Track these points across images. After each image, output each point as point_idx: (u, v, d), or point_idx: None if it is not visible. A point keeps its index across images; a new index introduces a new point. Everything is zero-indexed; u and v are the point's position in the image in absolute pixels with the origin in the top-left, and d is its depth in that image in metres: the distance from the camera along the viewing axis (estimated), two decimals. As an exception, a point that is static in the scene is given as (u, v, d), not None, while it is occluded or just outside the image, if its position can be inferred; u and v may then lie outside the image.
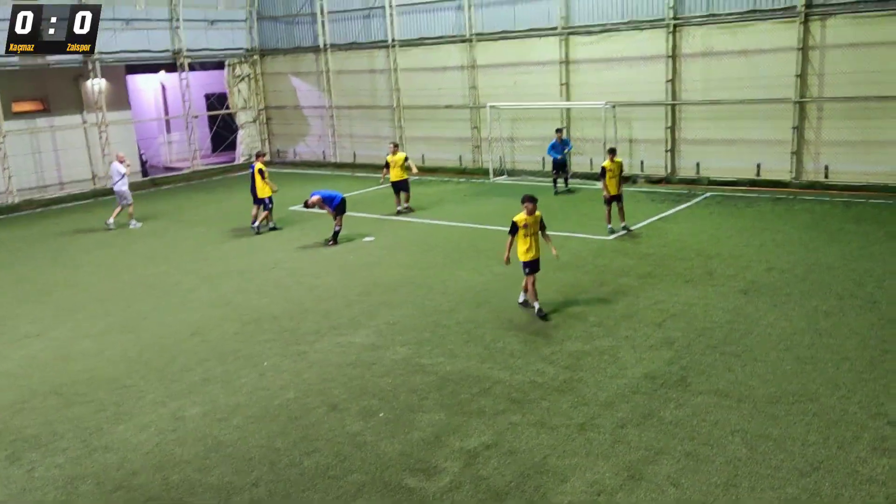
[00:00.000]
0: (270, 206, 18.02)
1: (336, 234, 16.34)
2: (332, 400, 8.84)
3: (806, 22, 18.22)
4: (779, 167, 19.35)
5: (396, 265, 14.51)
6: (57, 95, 24.94)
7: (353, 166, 27.67)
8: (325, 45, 27.72)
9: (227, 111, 30.20)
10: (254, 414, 8.62)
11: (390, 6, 25.55)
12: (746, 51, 19.19)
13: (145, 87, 30.86)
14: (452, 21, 24.29)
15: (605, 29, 21.31)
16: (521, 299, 11.64)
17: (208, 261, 15.78)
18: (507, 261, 11.31)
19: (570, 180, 21.00)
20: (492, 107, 23.10)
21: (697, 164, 20.66)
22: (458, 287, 12.89)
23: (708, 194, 19.20)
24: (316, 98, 28.84)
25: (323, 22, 27.51)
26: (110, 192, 24.55)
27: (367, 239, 16.71)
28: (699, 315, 10.82)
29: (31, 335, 11.67)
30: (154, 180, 26.40)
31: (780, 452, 7.11)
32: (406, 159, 19.26)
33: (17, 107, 23.99)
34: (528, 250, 11.11)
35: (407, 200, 19.32)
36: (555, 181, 20.57)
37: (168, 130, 31.26)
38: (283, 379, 9.53)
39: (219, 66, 29.91)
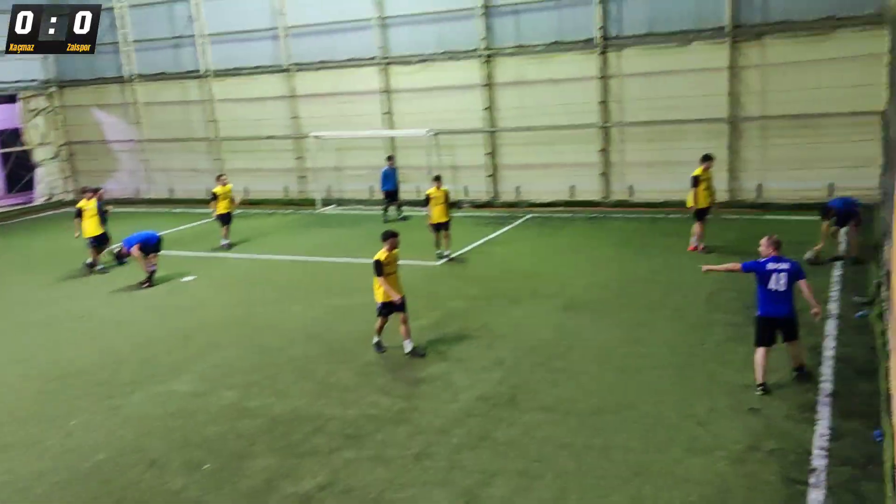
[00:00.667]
0: (95, 245, 16.73)
1: (152, 274, 15.35)
2: (151, 455, 8.18)
3: (604, 52, 19.63)
4: (590, 188, 20.61)
5: (221, 304, 13.84)
6: None
7: (171, 202, 26.28)
8: (131, 75, 26.22)
9: (23, 148, 27.66)
10: (61, 480, 7.79)
11: (201, 35, 24.67)
12: (555, 79, 20.33)
13: (-76, 122, 27.63)
14: (269, 50, 23.84)
15: (423, 59, 21.79)
16: (375, 340, 10.93)
17: (5, 312, 14.24)
18: (399, 299, 10.45)
19: (402, 208, 21.12)
20: (315, 136, 22.86)
21: (517, 188, 21.55)
22: (289, 323, 12.50)
23: (529, 216, 20.06)
24: (124, 131, 27.15)
25: (127, 51, 26.03)
26: None
27: (187, 278, 15.84)
28: (526, 334, 11.17)
29: None
30: (-63, 226, 23.62)
31: (605, 462, 7.42)
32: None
33: None
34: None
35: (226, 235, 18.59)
36: (385, 209, 20.64)
37: (-47, 170, 28.16)
38: (94, 438, 8.70)
39: (11, 99, 27.39)
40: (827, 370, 9.10)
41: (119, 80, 26.48)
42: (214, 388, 9.95)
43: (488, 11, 20.66)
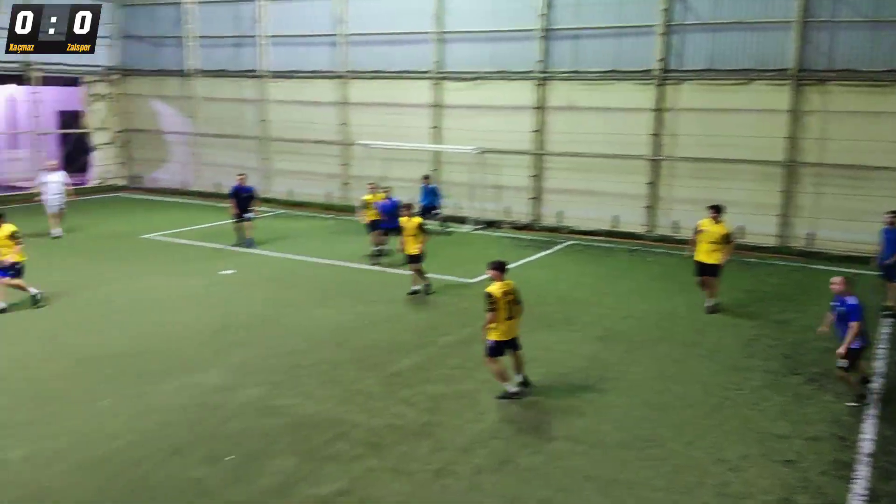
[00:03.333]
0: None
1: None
2: (174, 444, 8.19)
3: (661, 85, 19.43)
4: (634, 220, 20.32)
5: (255, 301, 13.91)
6: None
7: (216, 196, 26.60)
8: (191, 69, 26.74)
9: (82, 131, 28.36)
10: (83, 459, 7.84)
11: (262, 35, 25.08)
12: (607, 108, 20.16)
13: (-9, 99, 28.49)
14: (326, 56, 24.13)
15: (477, 76, 21.83)
16: (512, 389, 9.62)
17: (42, 288, 14.45)
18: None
19: (446, 223, 21.09)
20: (362, 144, 23.01)
21: (559, 213, 21.37)
22: (318, 326, 12.49)
23: (569, 242, 19.84)
24: (179, 123, 27.67)
25: (191, 46, 26.57)
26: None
27: (226, 271, 15.99)
28: (557, 360, 10.99)
29: None
30: (-7, 199, 24.20)
31: (630, 498, 7.22)
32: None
33: None
34: (508, 327, 9.55)
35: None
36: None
37: (15, 146, 28.91)
38: (119, 422, 8.75)
39: (75, 82, 28.11)
40: (868, 428, 8.77)
41: (179, 73, 27.03)
42: (240, 384, 9.95)
43: (547, 34, 20.64)
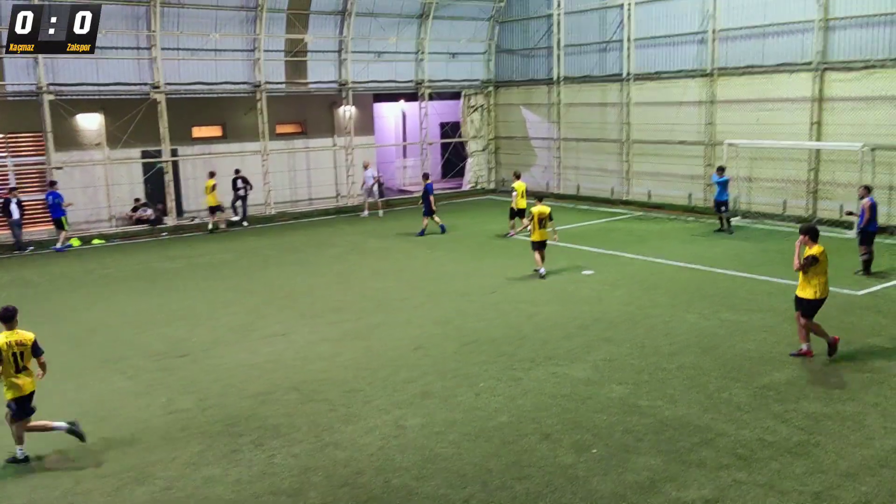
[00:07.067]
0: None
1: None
2: (545, 429, 8.82)
3: None
4: None
5: (617, 301, 14.22)
6: (313, 119, 27.61)
7: (576, 198, 27.61)
8: (558, 77, 28.06)
9: (460, 139, 31.55)
10: (469, 432, 8.84)
11: (628, 40, 25.32)
12: None
13: (387, 114, 33.17)
14: (693, 55, 23.54)
15: (869, 65, 19.49)
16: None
17: (432, 280, 16.49)
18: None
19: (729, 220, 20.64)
20: (730, 144, 21.99)
21: (973, 218, 18.15)
22: (682, 330, 12.34)
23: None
24: (544, 130, 29.25)
25: (559, 55, 27.89)
26: (349, 209, 26.90)
27: (587, 272, 16.57)
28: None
29: (278, 335, 12.89)
30: (388, 201, 28.18)
31: None
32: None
33: (280, 129, 26.87)
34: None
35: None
36: (720, 220, 20.59)
37: (404, 155, 33.32)
38: (497, 402, 9.67)
39: (455, 96, 31.38)
40: None
41: (547, 81, 28.59)
42: (606, 379, 10.30)
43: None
